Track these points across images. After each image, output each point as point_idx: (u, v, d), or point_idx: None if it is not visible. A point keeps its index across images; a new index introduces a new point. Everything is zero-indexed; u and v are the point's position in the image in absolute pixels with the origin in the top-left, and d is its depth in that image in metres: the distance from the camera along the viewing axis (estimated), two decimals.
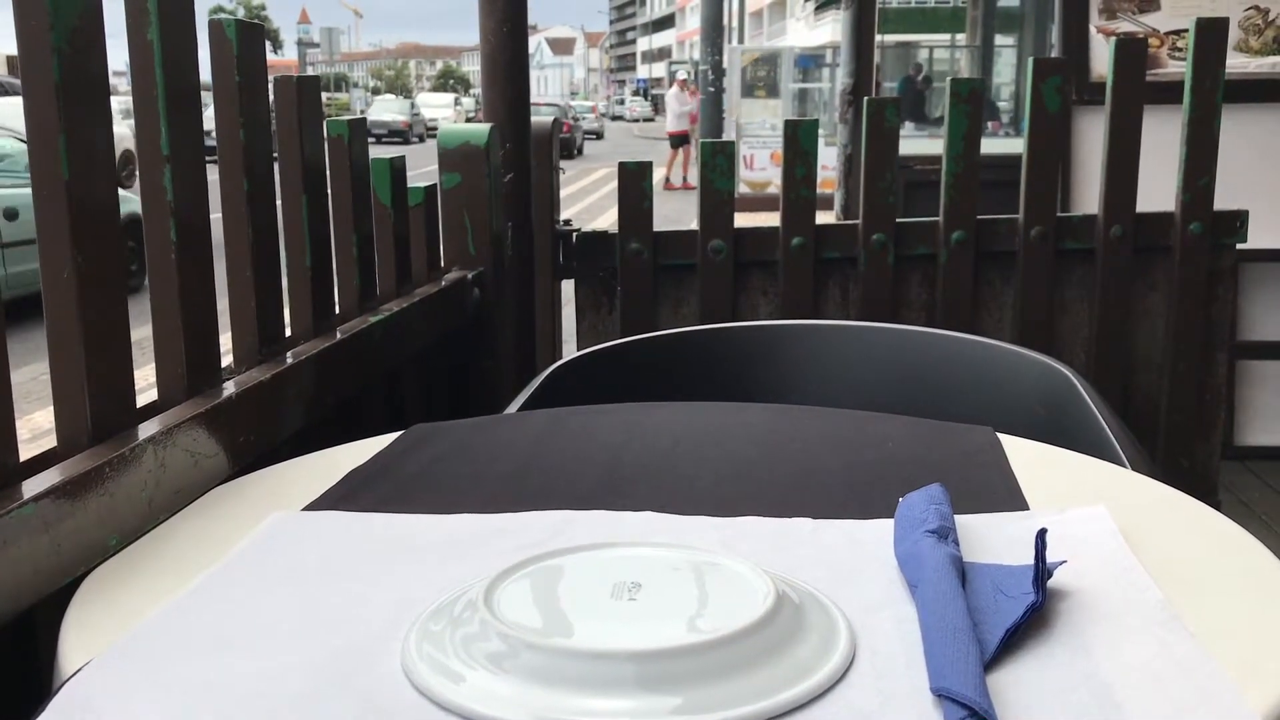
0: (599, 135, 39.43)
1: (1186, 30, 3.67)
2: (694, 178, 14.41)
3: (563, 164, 2.58)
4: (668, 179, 17.44)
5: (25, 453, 0.90)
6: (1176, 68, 3.57)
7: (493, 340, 1.93)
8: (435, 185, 1.80)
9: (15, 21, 0.85)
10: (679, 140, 17.82)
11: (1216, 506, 2.51)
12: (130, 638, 0.70)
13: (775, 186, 15.24)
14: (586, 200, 16.68)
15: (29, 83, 0.85)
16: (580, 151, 31.51)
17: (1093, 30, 3.72)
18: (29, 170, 0.85)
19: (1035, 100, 2.28)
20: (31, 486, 0.80)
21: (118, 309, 0.93)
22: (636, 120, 61.30)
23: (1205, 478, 2.49)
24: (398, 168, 1.61)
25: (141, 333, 0.98)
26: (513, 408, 1.46)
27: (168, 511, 0.92)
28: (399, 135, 32.90)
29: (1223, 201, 2.38)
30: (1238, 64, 3.59)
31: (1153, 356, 2.43)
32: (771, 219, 2.39)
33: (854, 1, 4.07)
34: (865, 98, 2.37)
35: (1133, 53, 2.29)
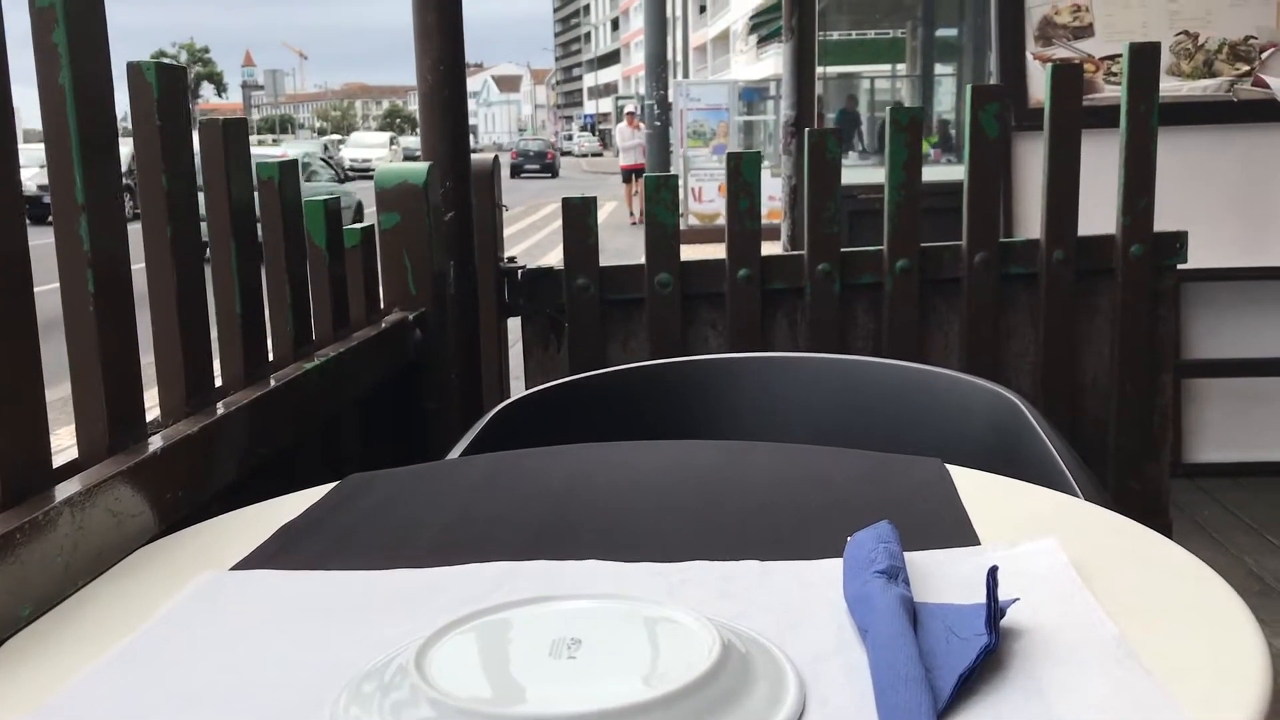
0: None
1: (1121, 55, 3.74)
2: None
3: (506, 203, 2.56)
4: (631, 213, 17.56)
5: None
6: (1113, 92, 3.62)
7: (436, 381, 1.89)
8: (373, 226, 1.77)
9: None
10: (630, 175, 17.91)
11: (1168, 527, 2.53)
12: (46, 711, 0.66)
13: (724, 218, 15.30)
14: (536, 236, 16.69)
15: None
16: (557, 173, 39.24)
17: (1029, 57, 3.77)
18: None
19: (974, 127, 2.29)
20: None
21: (29, 365, 0.89)
22: (585, 155, 61.64)
23: (1156, 498, 2.50)
24: (332, 209, 1.58)
25: (61, 389, 0.94)
26: (456, 451, 1.43)
27: (87, 576, 0.87)
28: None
29: (1162, 222, 2.41)
30: (1171, 87, 3.65)
31: (1099, 378, 2.44)
32: (721, 251, 2.38)
33: (794, 35, 4.10)
34: (806, 129, 2.37)
35: (1069, 79, 2.31)
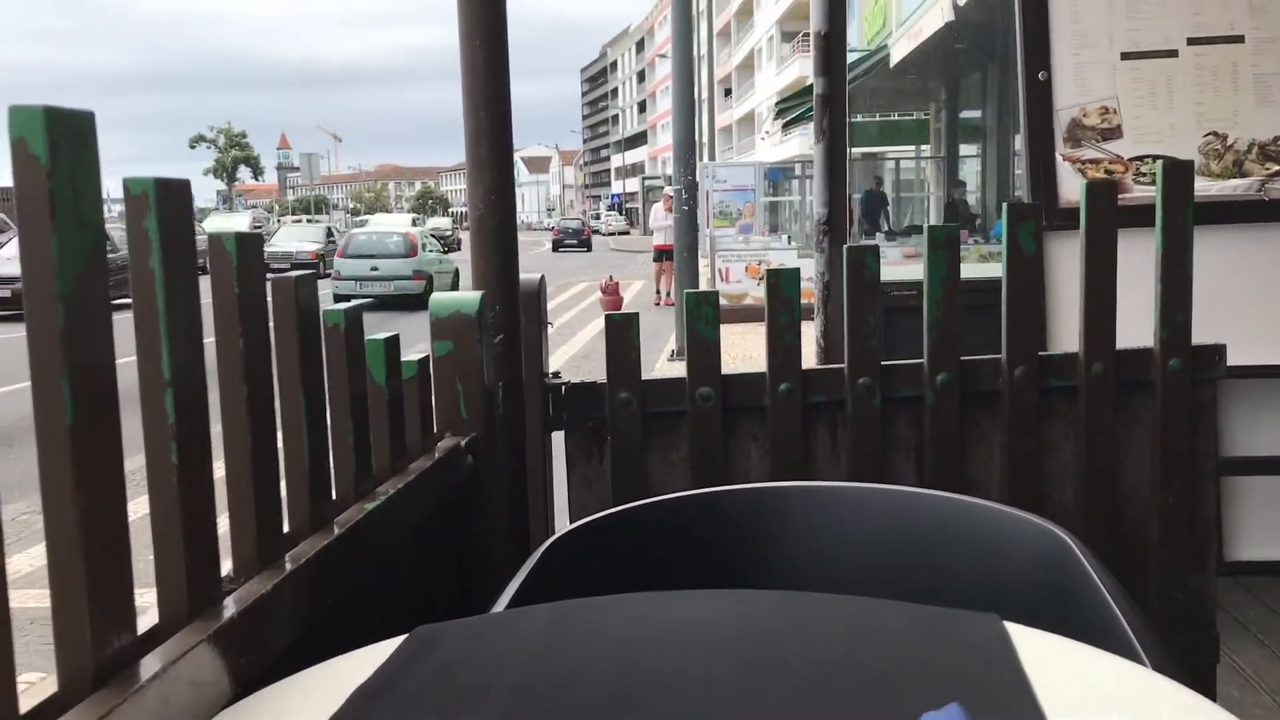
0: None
1: (1149, 157, 3.78)
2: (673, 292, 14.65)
3: (550, 319, 2.60)
4: (658, 291, 17.82)
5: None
6: (1142, 192, 3.66)
7: (485, 504, 1.92)
8: (429, 356, 1.81)
9: (22, 266, 0.86)
10: (662, 255, 18.05)
11: (1215, 640, 2.50)
12: None
13: (751, 298, 15.48)
14: (566, 315, 16.84)
15: (32, 324, 0.86)
16: (591, 248, 47.80)
17: (1059, 159, 3.83)
18: None
19: (1011, 244, 2.33)
20: None
21: (120, 541, 0.92)
22: (613, 234, 62.59)
23: (1201, 609, 2.47)
24: (392, 345, 1.62)
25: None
26: (511, 587, 1.45)
27: None
28: (307, 269, 27.22)
29: (1196, 319, 2.41)
30: (1200, 188, 3.67)
31: (1140, 490, 2.44)
32: (747, 330, 2.42)
33: (825, 135, 4.17)
34: (846, 245, 2.42)
35: (1104, 196, 2.35)
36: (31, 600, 3.67)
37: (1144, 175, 3.77)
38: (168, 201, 0.99)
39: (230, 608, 1.04)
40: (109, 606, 0.91)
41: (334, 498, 1.43)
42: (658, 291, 17.93)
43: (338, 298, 18.76)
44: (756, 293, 14.89)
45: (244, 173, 76.02)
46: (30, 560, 4.61)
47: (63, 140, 0.83)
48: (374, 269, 20.53)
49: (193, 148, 72.76)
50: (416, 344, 1.89)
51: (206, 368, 1.07)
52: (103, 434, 0.90)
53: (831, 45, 4.09)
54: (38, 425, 0.87)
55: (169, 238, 0.99)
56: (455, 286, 22.09)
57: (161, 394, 1.00)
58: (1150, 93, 3.88)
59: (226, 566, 1.18)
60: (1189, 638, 2.43)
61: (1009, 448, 2.36)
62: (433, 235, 26.09)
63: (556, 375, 2.46)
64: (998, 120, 14.25)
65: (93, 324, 0.87)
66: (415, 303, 17.95)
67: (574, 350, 13.07)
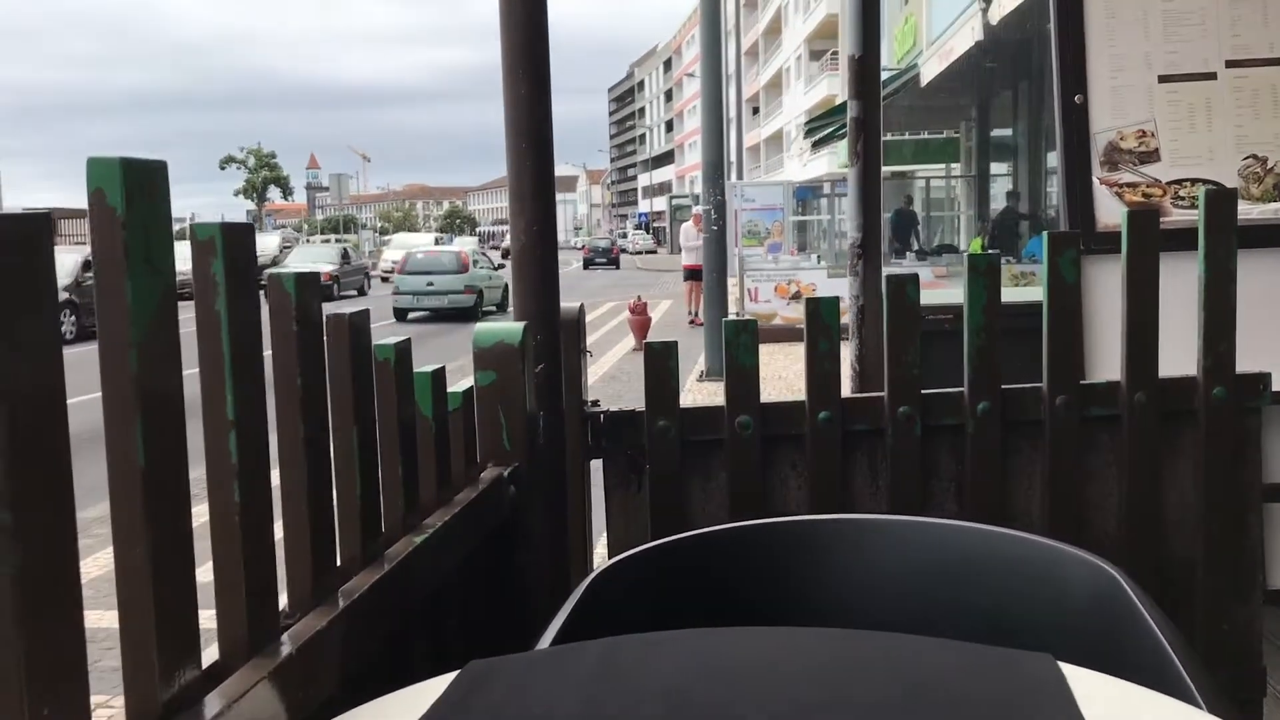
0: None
1: (1188, 180, 3.75)
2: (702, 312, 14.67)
3: (590, 351, 2.62)
4: (689, 312, 17.82)
5: None
6: (1180, 215, 3.64)
7: (527, 534, 1.93)
8: (472, 387, 1.83)
9: (97, 313, 0.88)
10: (693, 274, 18.01)
11: (1262, 673, 2.47)
12: None
13: (780, 318, 15.47)
14: (592, 336, 16.88)
15: (107, 368, 0.88)
16: (619, 265, 50.49)
17: (1095, 182, 3.81)
18: None
19: (1052, 272, 2.32)
20: None
21: (187, 579, 0.94)
22: (639, 253, 62.87)
23: (1247, 641, 2.45)
24: (439, 378, 1.64)
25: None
26: (556, 621, 1.45)
27: None
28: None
29: (1238, 343, 2.39)
30: (1240, 211, 3.65)
31: (1184, 521, 2.42)
32: (776, 349, 2.42)
33: (859, 160, 4.17)
34: (886, 274, 2.42)
35: (1146, 226, 2.34)
36: None
37: (1182, 199, 3.75)
38: (232, 246, 1.01)
39: (287, 645, 1.06)
40: (176, 644, 0.92)
41: (382, 529, 1.44)
42: (690, 311, 17.93)
43: (397, 310, 21.86)
44: (786, 312, 14.89)
45: (273, 192, 76.61)
46: None
47: (138, 191, 0.85)
48: (430, 284, 22.20)
49: (223, 168, 73.40)
50: (463, 356, 1.91)
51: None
52: (172, 475, 0.91)
53: (865, 69, 4.09)
54: (110, 465, 0.89)
55: (234, 281, 1.01)
56: (505, 300, 22.87)
57: (226, 435, 1.02)
58: (1189, 116, 3.86)
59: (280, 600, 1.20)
60: (1234, 670, 2.41)
61: (1051, 477, 2.35)
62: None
63: (595, 403, 2.47)
64: (1029, 138, 14.22)
65: (165, 369, 0.89)
66: (467, 315, 20.59)
67: (603, 370, 13.09)
